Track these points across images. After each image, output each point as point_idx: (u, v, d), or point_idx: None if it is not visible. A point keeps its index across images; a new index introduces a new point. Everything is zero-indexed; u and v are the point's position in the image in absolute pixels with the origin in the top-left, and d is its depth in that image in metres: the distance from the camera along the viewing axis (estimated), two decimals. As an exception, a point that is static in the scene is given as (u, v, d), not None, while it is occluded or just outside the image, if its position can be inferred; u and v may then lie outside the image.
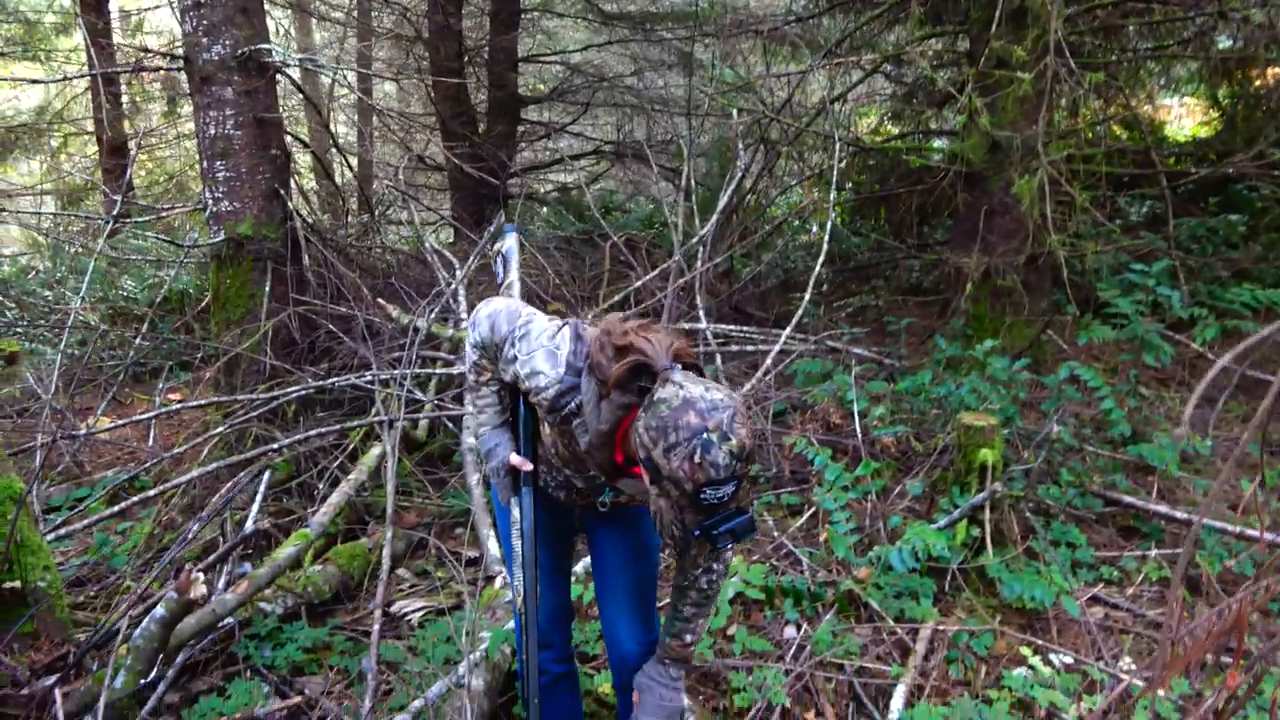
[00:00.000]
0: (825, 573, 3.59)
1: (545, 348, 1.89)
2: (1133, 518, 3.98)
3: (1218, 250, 6.45)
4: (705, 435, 1.56)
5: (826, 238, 5.85)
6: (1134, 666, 3.07)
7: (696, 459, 1.56)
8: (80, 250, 7.73)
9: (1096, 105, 6.75)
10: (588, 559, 3.43)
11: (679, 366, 1.71)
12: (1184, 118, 9.51)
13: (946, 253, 5.94)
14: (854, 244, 7.90)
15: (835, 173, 6.24)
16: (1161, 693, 2.87)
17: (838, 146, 6.07)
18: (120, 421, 4.74)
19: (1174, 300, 4.45)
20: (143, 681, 2.17)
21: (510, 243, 2.41)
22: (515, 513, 2.12)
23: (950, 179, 5.48)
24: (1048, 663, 3.09)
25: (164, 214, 6.62)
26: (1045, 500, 3.86)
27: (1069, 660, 3.11)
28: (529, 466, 2.07)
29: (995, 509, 3.55)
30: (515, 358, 1.93)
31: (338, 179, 9.69)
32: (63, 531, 3.84)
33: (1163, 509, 3.87)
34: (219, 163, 4.85)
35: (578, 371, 1.85)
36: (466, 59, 9.28)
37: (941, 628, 3.26)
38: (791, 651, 3.16)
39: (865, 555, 3.61)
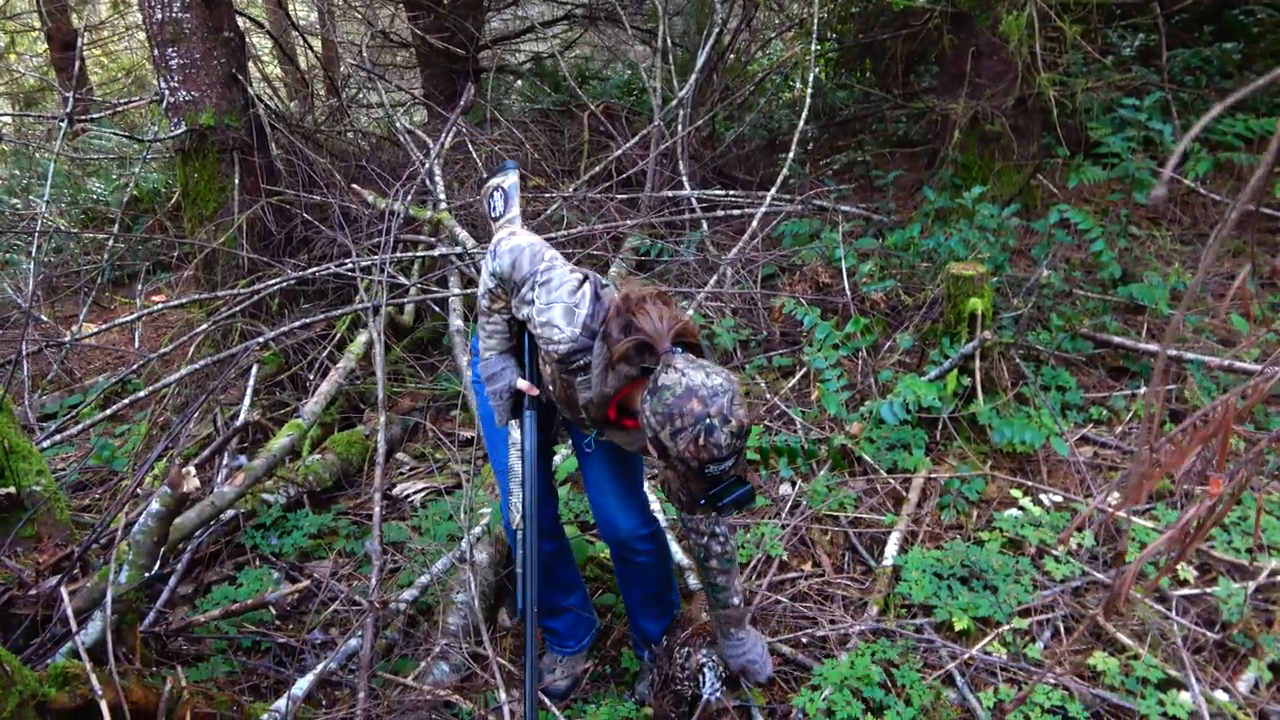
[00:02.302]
0: (818, 430, 3.62)
1: (565, 304, 1.95)
2: (1122, 358, 3.99)
3: (1212, 81, 6.25)
4: (708, 420, 1.72)
5: (810, 93, 5.66)
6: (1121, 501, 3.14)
7: (701, 441, 1.73)
8: (42, 153, 7.48)
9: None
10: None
11: (679, 350, 1.83)
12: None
13: (934, 100, 5.76)
14: (838, 98, 7.67)
15: (816, 22, 5.98)
16: (1149, 523, 2.95)
17: (818, -7, 5.80)
18: (104, 326, 4.68)
19: (1166, 134, 4.33)
20: (147, 574, 2.20)
21: (512, 179, 2.31)
22: (515, 434, 2.16)
23: (936, 21, 5.25)
24: (1038, 503, 3.16)
25: (121, 109, 6.37)
26: (1035, 346, 3.86)
27: (1058, 499, 3.18)
28: (535, 391, 2.14)
29: (985, 357, 3.55)
30: (533, 302, 1.99)
31: (301, 63, 9.31)
32: (59, 438, 3.85)
33: (1152, 347, 3.88)
34: (170, 49, 4.63)
35: (592, 334, 1.93)
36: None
37: (933, 476, 3.32)
38: (787, 507, 3.22)
39: (857, 410, 3.63)
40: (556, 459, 3.13)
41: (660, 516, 2.75)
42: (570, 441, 2.43)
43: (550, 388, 2.14)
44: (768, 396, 3.90)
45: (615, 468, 2.31)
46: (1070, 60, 5.09)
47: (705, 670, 2.33)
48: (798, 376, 4.05)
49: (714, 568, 2.23)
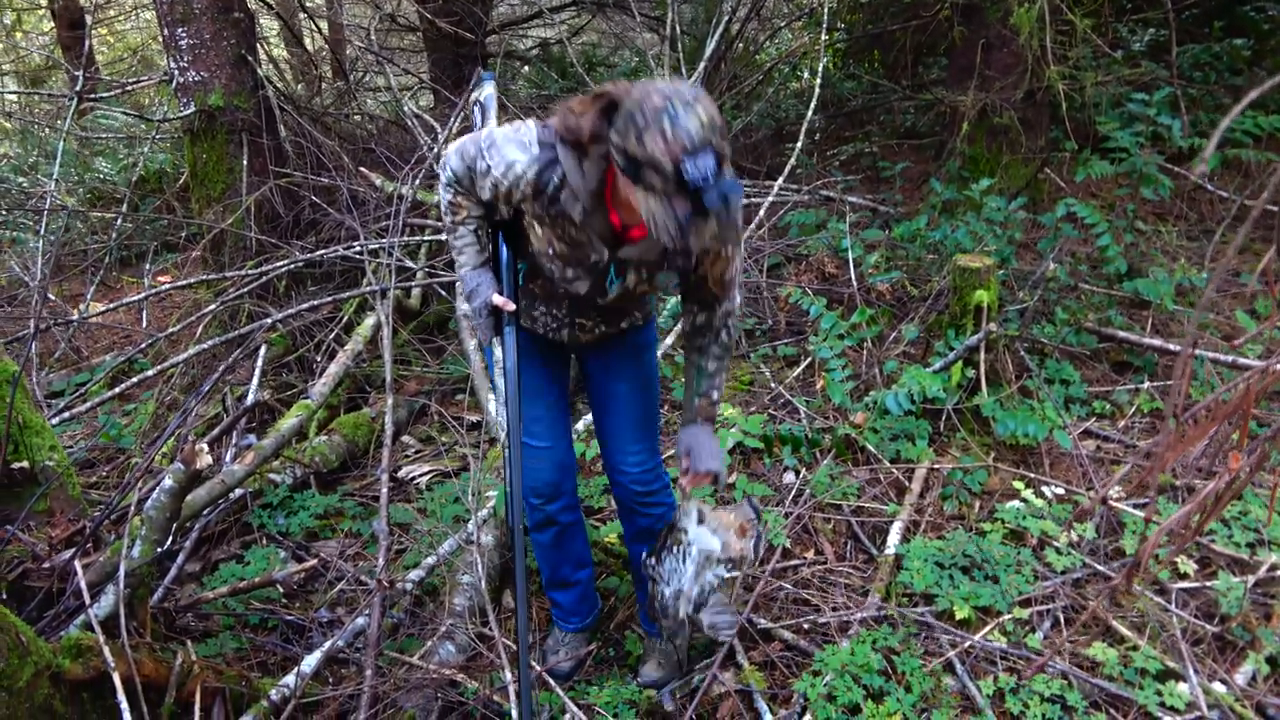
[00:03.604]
0: (822, 419, 3.64)
1: (514, 140, 1.90)
2: (1126, 352, 4.01)
3: (1221, 77, 6.24)
4: (671, 107, 1.58)
5: (818, 83, 5.65)
6: (1123, 494, 3.16)
7: (668, 132, 1.57)
8: (50, 132, 7.49)
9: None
10: (587, 417, 3.47)
11: None
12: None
13: (942, 92, 5.76)
14: (847, 88, 7.66)
15: (826, 12, 5.97)
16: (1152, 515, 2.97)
17: (828, -17, 5.78)
18: (112, 305, 4.70)
19: (1174, 130, 4.33)
20: (159, 550, 2.23)
21: (489, 90, 2.32)
22: (498, 352, 2.17)
23: (946, 12, 5.25)
24: (1040, 495, 3.18)
25: (130, 89, 6.37)
26: (1040, 339, 3.88)
27: (1060, 491, 3.20)
28: (511, 306, 2.09)
29: (990, 350, 3.57)
30: (489, 168, 1.92)
31: (308, 45, 9.30)
32: (67, 415, 3.87)
33: (1156, 342, 3.89)
34: (180, 30, 4.63)
35: (551, 146, 1.86)
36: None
37: (936, 467, 3.34)
38: (791, 496, 3.25)
39: (861, 400, 3.66)
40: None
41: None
42: (586, 375, 2.39)
43: (553, 269, 2.02)
44: (773, 385, 3.92)
45: (631, 393, 2.33)
46: (1080, 54, 5.09)
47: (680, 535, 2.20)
48: (803, 366, 4.06)
49: (713, 354, 2.16)
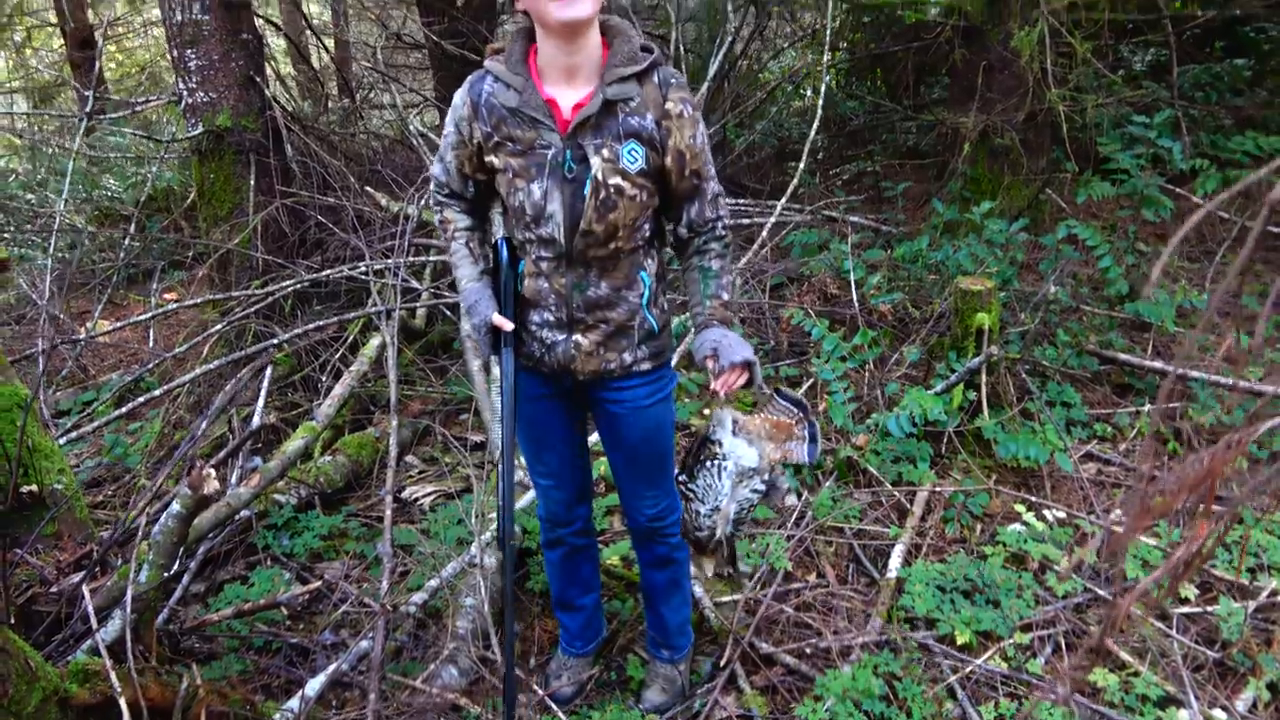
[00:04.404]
0: (825, 441, 3.66)
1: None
2: (1128, 375, 4.03)
3: (1222, 98, 6.28)
4: None
5: (821, 102, 5.69)
6: (1124, 517, 3.17)
7: None
8: (58, 150, 7.55)
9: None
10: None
11: None
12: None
13: (944, 112, 5.80)
14: (849, 108, 7.70)
15: (829, 32, 6.02)
16: (1150, 540, 2.98)
17: (830, 4, 5.83)
18: (119, 324, 4.74)
19: (1175, 152, 4.36)
20: (166, 574, 2.25)
21: None
22: (495, 371, 2.14)
23: (948, 34, 5.29)
24: (1041, 518, 3.19)
25: (139, 108, 6.43)
26: (1041, 361, 3.89)
27: (1061, 515, 3.21)
28: (509, 326, 2.06)
29: (991, 372, 3.59)
30: (446, 138, 2.04)
31: (315, 62, 9.37)
32: (74, 435, 3.90)
33: (1157, 365, 3.91)
34: (189, 51, 4.67)
35: (482, 73, 1.97)
36: (439, -75, 8.81)
37: (938, 489, 3.35)
38: (793, 518, 3.26)
39: (863, 422, 3.67)
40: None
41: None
42: (596, 426, 2.31)
43: (534, 233, 1.98)
44: (775, 406, 3.93)
45: (642, 449, 2.24)
46: (1081, 75, 5.12)
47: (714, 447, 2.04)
48: (805, 387, 4.08)
49: (714, 251, 2.07)
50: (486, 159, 1.99)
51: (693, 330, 2.12)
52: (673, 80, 1.92)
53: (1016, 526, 3.15)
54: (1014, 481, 3.45)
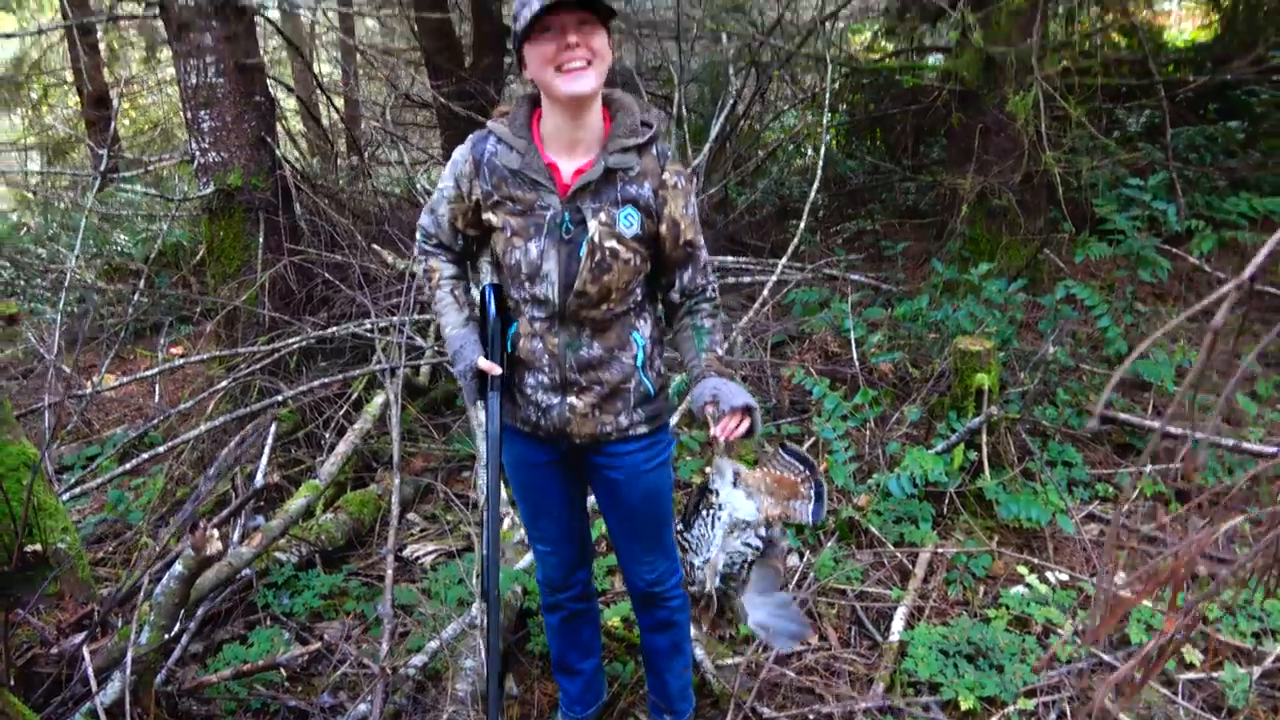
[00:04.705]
0: (826, 501, 3.65)
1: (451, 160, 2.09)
2: (1128, 435, 4.03)
3: (1216, 159, 6.38)
4: None
5: (821, 162, 5.79)
6: (1127, 579, 3.15)
7: None
8: (70, 206, 7.67)
9: (1094, 13, 6.60)
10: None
11: None
12: (1184, 20, 9.33)
13: (942, 173, 5.89)
14: (849, 167, 7.83)
15: (828, 95, 6.15)
16: (1148, 602, 2.96)
17: (830, 68, 5.97)
18: (125, 379, 4.78)
19: (1170, 214, 4.43)
20: (166, 636, 2.25)
21: None
22: (481, 416, 2.14)
23: (944, 98, 5.41)
24: (1044, 580, 3.18)
25: (151, 167, 6.55)
26: (1042, 421, 3.91)
27: (1065, 577, 3.20)
28: (497, 370, 2.08)
29: (992, 432, 3.60)
30: (441, 190, 2.10)
31: (324, 120, 9.55)
32: (77, 491, 3.91)
33: (1158, 425, 3.91)
34: (203, 112, 4.79)
35: (485, 134, 2.04)
36: (448, -10, 9.05)
37: (940, 550, 3.35)
38: (795, 579, 3.25)
39: (865, 482, 3.68)
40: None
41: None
42: (593, 490, 2.31)
43: (527, 293, 2.02)
44: (776, 465, 3.94)
45: (640, 514, 2.25)
46: (1076, 137, 5.22)
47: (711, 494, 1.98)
48: (806, 446, 4.09)
49: (705, 311, 2.12)
50: (484, 216, 2.04)
51: (690, 384, 2.13)
52: (669, 154, 2.01)
53: (1020, 589, 3.14)
54: (1016, 543, 3.45)
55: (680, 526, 2.07)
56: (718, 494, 1.99)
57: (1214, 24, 7.55)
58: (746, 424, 1.98)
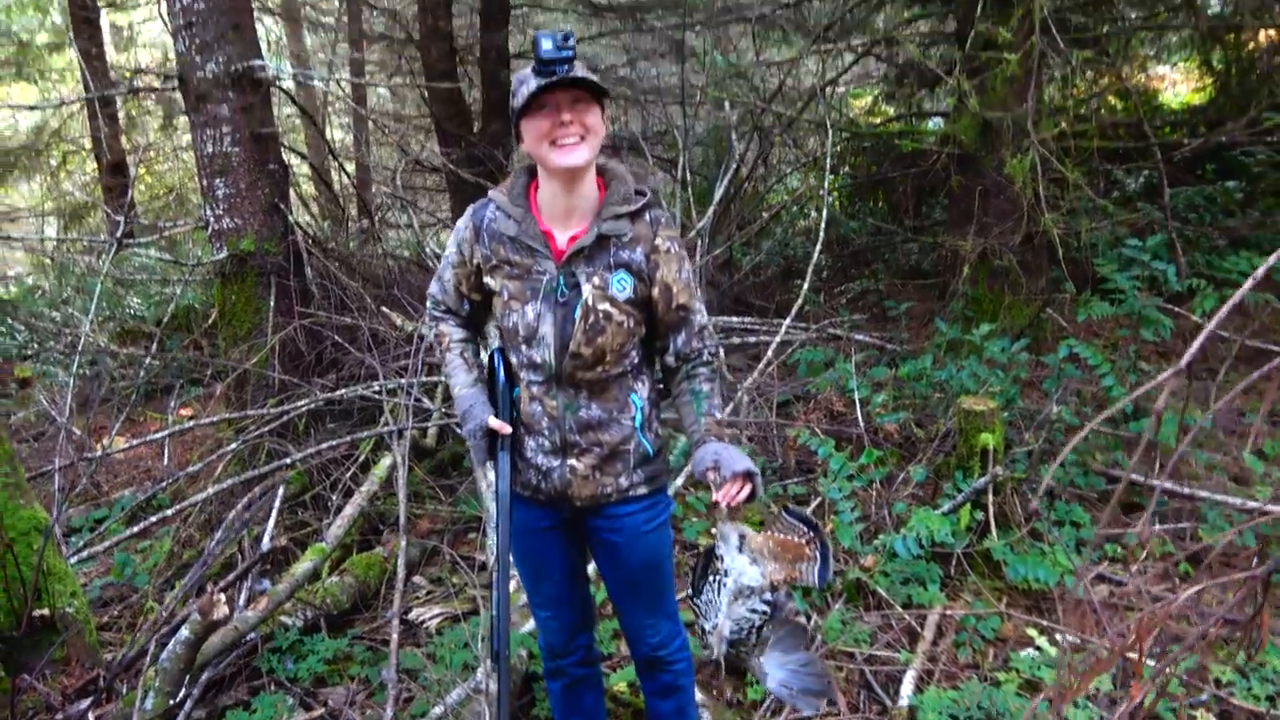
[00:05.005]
0: (833, 562, 3.64)
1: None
2: (1135, 494, 4.02)
3: (1215, 219, 6.45)
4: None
5: (824, 224, 5.88)
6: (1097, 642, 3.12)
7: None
8: (86, 271, 7.80)
9: (1089, 77, 6.75)
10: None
11: None
12: (1178, 84, 9.50)
13: (943, 234, 5.97)
14: (852, 228, 7.93)
15: (830, 158, 6.26)
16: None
17: (831, 133, 6.09)
18: (135, 441, 4.82)
19: (1169, 275, 4.47)
20: (171, 702, 2.24)
21: None
22: (490, 476, 2.16)
23: (943, 161, 5.51)
24: (1054, 643, 3.15)
25: (167, 233, 6.67)
26: (1048, 481, 3.90)
27: (1075, 639, 3.16)
28: (507, 429, 2.11)
29: (998, 492, 3.60)
30: (447, 258, 2.18)
31: (335, 185, 9.74)
32: (85, 554, 3.92)
33: (1165, 484, 3.91)
34: (218, 180, 4.90)
35: (486, 201, 2.13)
36: (458, 58, 9.30)
37: (949, 612, 3.32)
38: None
39: (871, 543, 3.66)
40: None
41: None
42: (593, 555, 2.32)
43: (526, 356, 2.07)
44: (783, 526, 3.94)
45: (642, 577, 2.25)
46: (1074, 199, 5.30)
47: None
48: (812, 506, 4.08)
49: (703, 375, 2.14)
50: (484, 280, 2.11)
51: (690, 449, 2.15)
52: (662, 219, 2.08)
53: (1029, 651, 3.11)
54: (1025, 604, 3.42)
55: (690, 592, 2.08)
56: (723, 560, 2.01)
57: (1208, 87, 7.70)
58: (748, 489, 1.99)
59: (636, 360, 2.13)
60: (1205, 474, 4.04)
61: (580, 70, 1.91)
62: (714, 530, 2.04)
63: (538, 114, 1.93)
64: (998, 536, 3.50)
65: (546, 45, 1.87)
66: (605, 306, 2.01)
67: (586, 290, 2.01)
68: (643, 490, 2.16)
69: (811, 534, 2.12)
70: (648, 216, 2.06)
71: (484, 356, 2.26)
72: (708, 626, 2.02)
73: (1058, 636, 3.18)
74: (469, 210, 2.14)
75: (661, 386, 2.26)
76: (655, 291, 2.06)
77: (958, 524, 3.51)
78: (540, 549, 2.26)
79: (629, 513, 2.16)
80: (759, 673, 2.06)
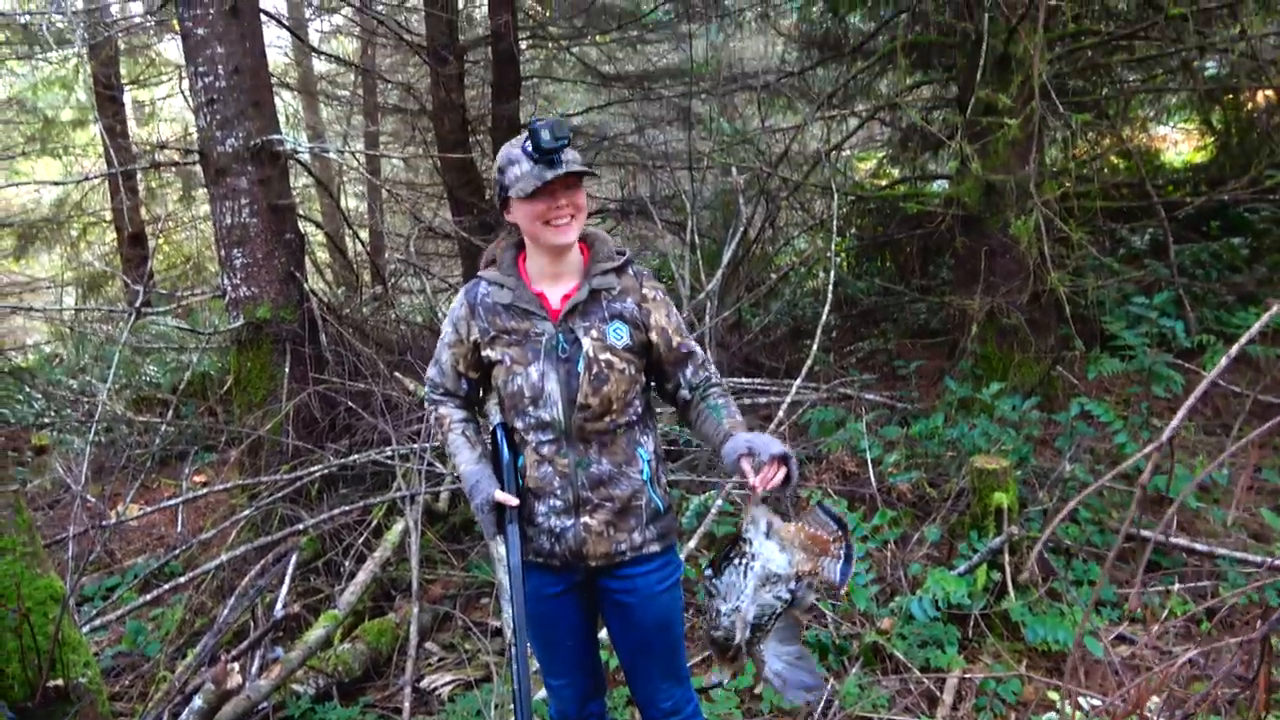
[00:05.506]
0: (849, 625, 3.61)
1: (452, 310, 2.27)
2: (1154, 552, 3.98)
3: (1222, 274, 6.48)
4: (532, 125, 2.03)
5: (831, 284, 5.93)
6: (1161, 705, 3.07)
7: (524, 136, 2.04)
8: (104, 339, 7.91)
9: (1090, 138, 6.86)
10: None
11: None
12: (1180, 143, 9.62)
13: (950, 294, 6.01)
14: (859, 289, 8.00)
15: (836, 220, 6.34)
16: None
17: (836, 196, 6.18)
18: (149, 509, 4.83)
19: (1178, 331, 4.49)
20: (183, 774, 2.23)
21: None
22: (501, 550, 2.17)
23: (949, 222, 5.57)
24: (1076, 706, 3.09)
25: (184, 302, 6.78)
26: (1064, 539, 3.87)
27: (1096, 702, 3.11)
28: (514, 502, 2.14)
29: (1014, 551, 3.57)
30: (443, 338, 2.24)
31: (349, 251, 9.90)
32: (97, 622, 3.91)
33: (1183, 542, 3.88)
34: (236, 250, 5.00)
35: (476, 279, 2.23)
36: (470, 129, 9.52)
37: (968, 675, 3.28)
38: (819, 708, 3.18)
39: (887, 605, 3.63)
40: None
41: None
42: (605, 619, 2.33)
43: (532, 417, 2.12)
44: (797, 588, 3.90)
45: (655, 639, 2.26)
46: (1080, 257, 5.34)
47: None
48: (827, 568, 4.05)
49: (716, 393, 2.22)
50: (484, 353, 2.18)
51: (720, 447, 2.15)
52: (645, 273, 2.23)
53: (1051, 715, 3.05)
54: (1045, 666, 3.37)
55: (709, 573, 2.08)
56: (751, 543, 2.02)
57: (1209, 146, 7.81)
58: (783, 472, 2.00)
59: (641, 411, 2.20)
60: (1224, 531, 4.00)
61: (575, 159, 2.06)
62: (743, 516, 2.05)
63: (535, 198, 2.03)
64: (1015, 597, 3.46)
65: (546, 136, 1.99)
66: (607, 356, 2.11)
67: (586, 343, 2.10)
68: (655, 548, 2.20)
69: (840, 533, 2.13)
70: (630, 270, 2.20)
71: (485, 434, 2.31)
72: (724, 608, 2.02)
73: (1080, 699, 3.12)
74: (461, 291, 2.24)
75: (676, 415, 2.32)
76: (653, 336, 2.17)
77: (974, 585, 3.48)
78: (553, 615, 2.26)
79: (642, 573, 2.19)
80: (759, 659, 2.06)
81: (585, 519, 2.14)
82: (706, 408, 2.22)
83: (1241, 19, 5.04)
